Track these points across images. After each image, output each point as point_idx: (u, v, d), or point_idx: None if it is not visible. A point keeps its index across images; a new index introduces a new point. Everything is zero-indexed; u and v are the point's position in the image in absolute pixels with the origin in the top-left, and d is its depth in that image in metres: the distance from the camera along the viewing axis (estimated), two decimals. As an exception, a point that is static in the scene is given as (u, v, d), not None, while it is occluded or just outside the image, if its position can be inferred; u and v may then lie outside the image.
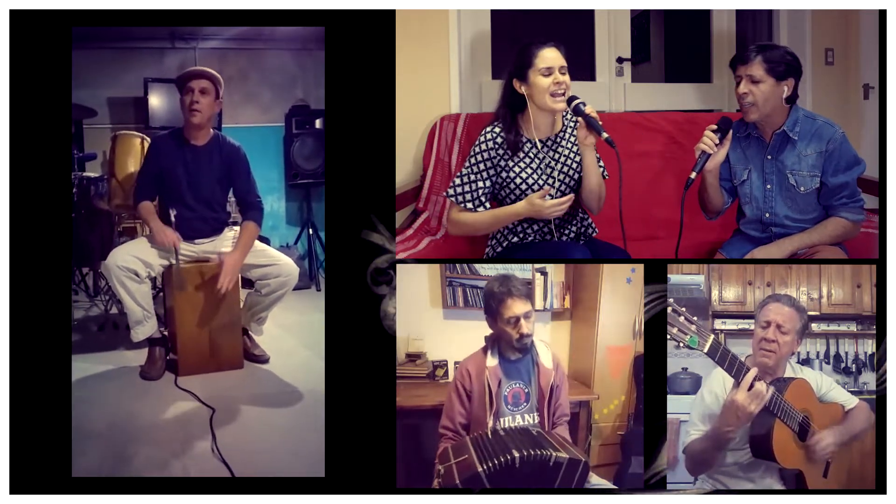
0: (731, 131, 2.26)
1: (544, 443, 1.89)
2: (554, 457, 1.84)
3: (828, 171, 2.25)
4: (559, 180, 2.34)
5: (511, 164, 2.32)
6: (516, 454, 1.82)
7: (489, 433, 1.94)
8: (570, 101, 2.24)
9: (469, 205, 2.32)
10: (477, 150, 2.33)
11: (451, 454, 1.89)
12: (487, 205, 2.33)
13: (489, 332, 2.06)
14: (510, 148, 2.30)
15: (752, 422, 1.92)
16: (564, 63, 2.26)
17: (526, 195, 2.29)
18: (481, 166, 2.32)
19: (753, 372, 1.87)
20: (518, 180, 2.31)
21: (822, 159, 2.25)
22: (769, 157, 2.31)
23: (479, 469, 1.80)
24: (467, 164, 2.34)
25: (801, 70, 2.27)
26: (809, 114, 2.30)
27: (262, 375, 2.85)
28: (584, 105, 2.22)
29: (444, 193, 2.39)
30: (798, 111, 2.29)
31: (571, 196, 2.25)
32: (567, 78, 2.25)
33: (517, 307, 1.97)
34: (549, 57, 2.24)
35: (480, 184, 2.31)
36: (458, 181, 2.34)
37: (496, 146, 2.31)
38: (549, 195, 2.25)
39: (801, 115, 2.28)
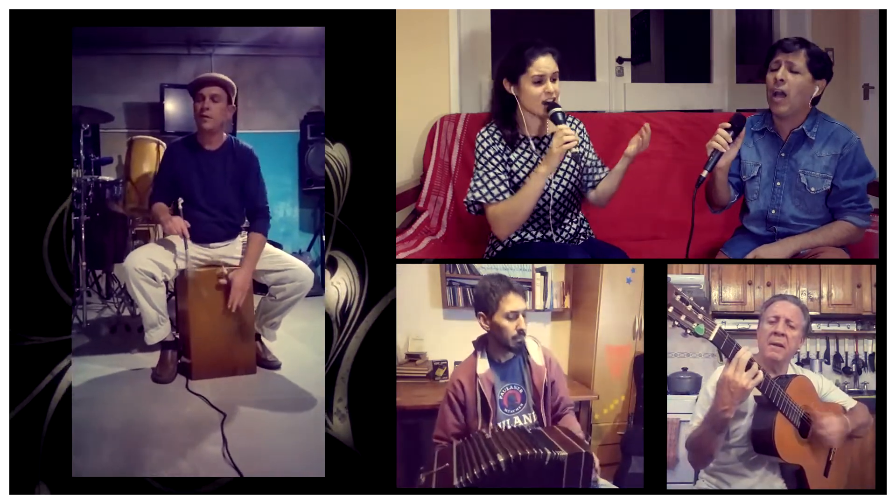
0: (743, 129, 2.23)
1: (540, 441, 1.87)
2: (550, 455, 1.81)
3: (840, 174, 2.25)
4: (562, 177, 2.34)
5: (512, 157, 2.32)
6: (501, 459, 1.78)
7: (480, 436, 1.91)
8: (549, 106, 2.23)
9: (501, 197, 2.28)
10: (481, 150, 2.33)
11: (435, 461, 1.86)
12: (514, 190, 2.30)
13: (478, 335, 2.04)
14: (508, 143, 2.31)
15: (753, 417, 1.93)
16: (557, 69, 2.24)
17: None
18: (493, 161, 2.30)
19: (748, 353, 1.86)
20: (521, 174, 2.30)
21: (836, 162, 2.25)
22: (783, 154, 2.30)
23: (455, 482, 1.77)
24: (478, 165, 2.33)
25: (832, 74, 2.26)
26: (827, 117, 2.30)
27: (274, 381, 2.84)
28: (561, 113, 2.20)
29: (466, 200, 2.34)
30: (817, 113, 2.29)
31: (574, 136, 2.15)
32: (557, 85, 2.25)
33: (518, 302, 1.97)
34: (543, 65, 2.22)
35: (503, 176, 2.29)
36: (478, 183, 2.31)
37: (495, 141, 2.32)
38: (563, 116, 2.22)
39: (819, 117, 2.28)
